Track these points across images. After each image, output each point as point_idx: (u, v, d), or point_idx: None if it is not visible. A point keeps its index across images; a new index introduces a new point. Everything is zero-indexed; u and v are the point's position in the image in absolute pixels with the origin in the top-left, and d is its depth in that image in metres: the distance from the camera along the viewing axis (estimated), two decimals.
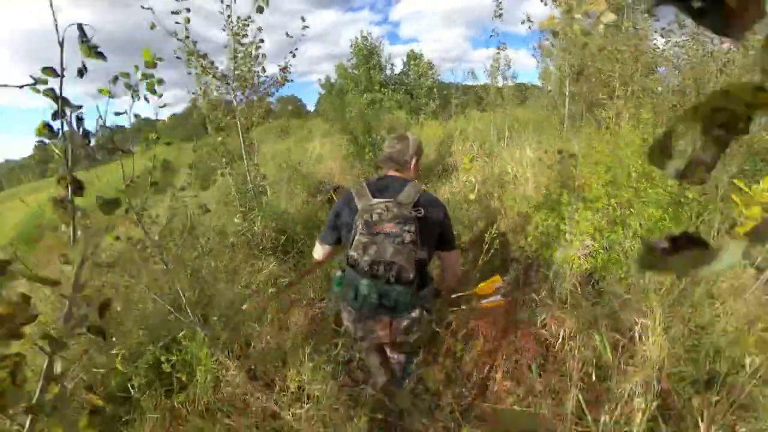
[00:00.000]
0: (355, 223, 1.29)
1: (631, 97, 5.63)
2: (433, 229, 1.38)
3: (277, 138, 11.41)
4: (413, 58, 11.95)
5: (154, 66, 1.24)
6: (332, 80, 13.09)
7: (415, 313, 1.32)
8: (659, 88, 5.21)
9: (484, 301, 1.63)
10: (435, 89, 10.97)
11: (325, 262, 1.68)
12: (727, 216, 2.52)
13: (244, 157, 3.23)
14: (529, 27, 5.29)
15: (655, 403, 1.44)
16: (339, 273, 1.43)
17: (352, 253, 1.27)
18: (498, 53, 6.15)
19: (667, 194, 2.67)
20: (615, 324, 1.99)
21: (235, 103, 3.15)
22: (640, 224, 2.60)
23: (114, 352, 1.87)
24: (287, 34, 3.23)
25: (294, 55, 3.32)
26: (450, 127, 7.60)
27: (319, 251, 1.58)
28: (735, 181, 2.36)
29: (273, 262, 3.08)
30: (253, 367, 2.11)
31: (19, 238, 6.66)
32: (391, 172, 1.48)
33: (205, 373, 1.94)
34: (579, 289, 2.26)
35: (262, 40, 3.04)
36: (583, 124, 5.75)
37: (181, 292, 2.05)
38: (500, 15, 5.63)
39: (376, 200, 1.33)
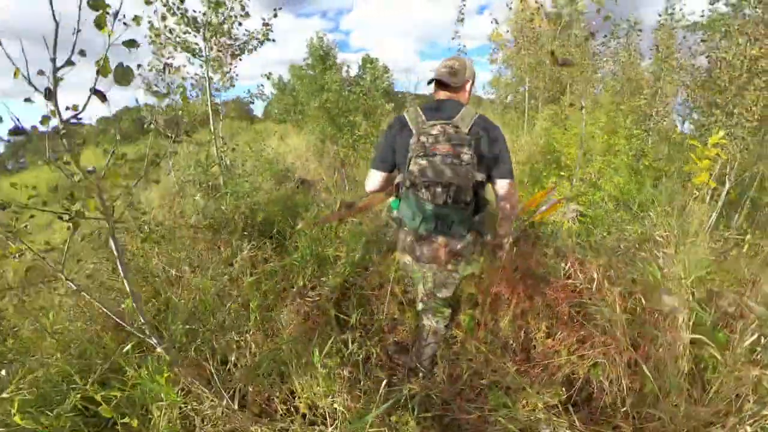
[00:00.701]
0: (411, 146, 1.24)
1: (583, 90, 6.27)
2: (490, 152, 1.31)
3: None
4: (368, 61, 11.83)
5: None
6: (285, 80, 12.32)
7: (469, 237, 1.31)
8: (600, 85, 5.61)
9: (543, 207, 1.62)
10: (390, 92, 10.94)
11: (382, 195, 1.54)
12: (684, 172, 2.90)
13: (211, 120, 2.58)
14: (495, 29, 5.41)
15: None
16: (393, 198, 1.40)
17: (409, 174, 1.24)
18: (459, 53, 6.22)
19: (626, 163, 3.01)
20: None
21: (205, 56, 2.51)
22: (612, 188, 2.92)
23: (6, 395, 1.12)
24: None
25: (276, 15, 2.79)
26: None
27: (373, 179, 1.43)
28: (690, 140, 2.69)
29: (247, 247, 2.46)
30: (238, 389, 1.46)
31: None
32: (444, 95, 1.39)
33: (168, 411, 1.27)
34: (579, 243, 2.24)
35: None
36: (543, 112, 6.04)
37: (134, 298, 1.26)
38: (462, 20, 5.71)
39: (431, 122, 1.27)
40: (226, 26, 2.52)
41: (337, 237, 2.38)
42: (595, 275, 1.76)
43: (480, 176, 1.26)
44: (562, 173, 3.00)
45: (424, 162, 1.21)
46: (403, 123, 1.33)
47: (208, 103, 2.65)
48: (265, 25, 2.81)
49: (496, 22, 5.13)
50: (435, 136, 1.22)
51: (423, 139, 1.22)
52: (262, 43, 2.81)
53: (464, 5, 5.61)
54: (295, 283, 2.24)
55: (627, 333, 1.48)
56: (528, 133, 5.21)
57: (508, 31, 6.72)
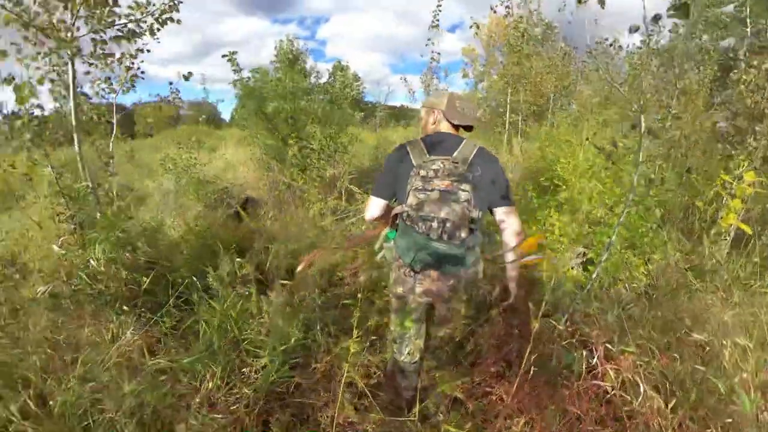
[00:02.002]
0: (410, 179, 1.25)
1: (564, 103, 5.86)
2: (489, 187, 1.30)
3: (180, 146, 9.17)
4: (339, 68, 11.06)
5: None
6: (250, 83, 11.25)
7: (463, 273, 1.30)
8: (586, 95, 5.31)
9: (527, 258, 1.46)
10: (360, 101, 10.28)
11: (381, 224, 1.44)
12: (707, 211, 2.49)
13: (76, 138, 1.65)
14: (476, 33, 4.90)
15: None
16: (388, 229, 1.40)
17: (406, 207, 1.25)
18: (432, 63, 5.65)
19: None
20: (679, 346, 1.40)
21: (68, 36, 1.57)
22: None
23: None
24: None
25: None
26: (383, 134, 6.88)
27: (374, 207, 1.39)
28: (722, 176, 2.13)
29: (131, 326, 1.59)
30: None
31: None
32: (446, 127, 1.41)
33: None
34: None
35: None
36: (526, 127, 5.59)
37: None
38: (437, 25, 5.15)
39: (431, 156, 1.28)
40: None
41: (260, 315, 1.55)
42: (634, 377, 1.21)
43: (476, 213, 1.26)
44: (561, 204, 2.33)
45: (422, 196, 1.22)
46: (405, 154, 1.33)
47: (72, 109, 1.69)
48: None
49: (477, 27, 4.57)
50: (435, 170, 1.23)
51: (423, 172, 1.24)
52: (162, 23, 1.89)
53: (440, 10, 5.14)
54: (201, 385, 1.43)
55: None
56: (509, 152, 4.61)
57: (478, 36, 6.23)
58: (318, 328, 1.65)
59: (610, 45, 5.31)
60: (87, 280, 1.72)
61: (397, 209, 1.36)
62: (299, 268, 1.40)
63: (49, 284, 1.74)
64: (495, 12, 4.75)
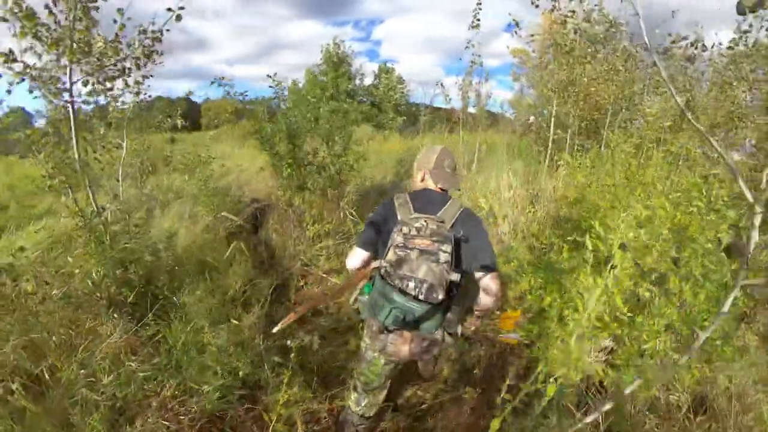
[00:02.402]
0: (393, 234, 1.25)
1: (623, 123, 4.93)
2: (471, 250, 1.31)
3: (235, 144, 9.95)
4: (384, 71, 11.05)
5: None
6: (299, 85, 11.76)
7: (438, 335, 1.29)
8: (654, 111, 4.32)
9: (502, 335, 1.51)
10: (403, 105, 10.11)
11: (364, 272, 1.42)
12: None
13: (75, 148, 1.80)
14: (515, 32, 4.38)
15: None
16: (367, 281, 1.40)
17: (384, 263, 1.22)
18: (472, 66, 5.23)
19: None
20: None
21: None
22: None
23: None
24: None
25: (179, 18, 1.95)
26: (413, 143, 6.58)
27: (356, 258, 1.40)
28: None
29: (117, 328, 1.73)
30: None
31: None
32: (431, 185, 1.41)
33: None
34: None
35: None
36: (575, 148, 4.76)
37: None
38: (477, 26, 4.76)
39: (416, 214, 1.30)
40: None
41: (209, 344, 1.59)
42: None
43: (455, 276, 1.23)
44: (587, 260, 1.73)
45: (401, 253, 1.20)
46: (391, 209, 1.36)
47: (72, 123, 1.77)
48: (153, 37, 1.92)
49: (517, 24, 4.08)
50: (417, 228, 1.22)
51: (405, 229, 1.23)
52: (148, 56, 1.95)
53: (480, 8, 4.70)
54: (161, 392, 1.59)
55: None
56: (550, 176, 3.93)
57: (533, 40, 5.54)
58: (267, 367, 1.64)
59: (691, 44, 4.41)
60: (91, 287, 1.89)
61: (375, 264, 1.36)
62: (281, 324, 1.35)
63: (63, 287, 1.94)
64: (536, 6, 4.18)
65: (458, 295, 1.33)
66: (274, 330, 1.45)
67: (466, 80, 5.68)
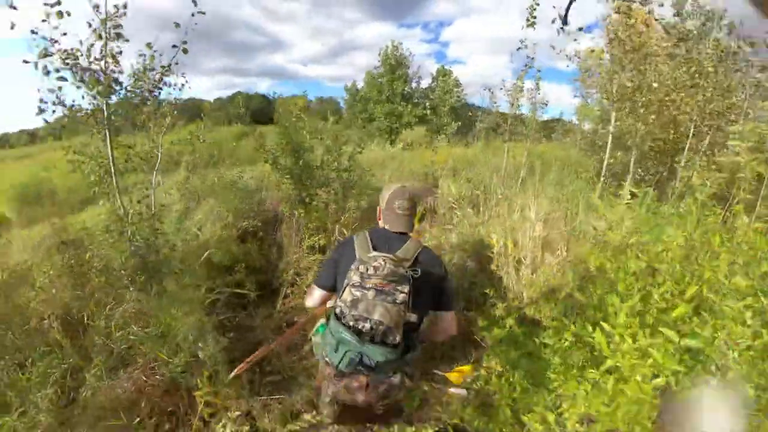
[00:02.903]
0: (350, 273, 1.22)
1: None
2: (430, 290, 1.31)
3: None
4: (442, 74, 10.74)
5: None
6: (357, 87, 12.15)
7: (395, 379, 1.26)
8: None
9: (451, 389, 1.54)
10: (459, 109, 9.69)
11: (319, 313, 1.43)
12: None
13: (109, 146, 2.25)
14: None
15: None
16: (322, 321, 1.36)
17: (340, 303, 1.21)
18: (525, 69, 4.73)
19: None
20: None
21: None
22: None
23: None
24: None
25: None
26: (455, 152, 6.25)
27: (314, 296, 1.43)
28: None
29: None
30: None
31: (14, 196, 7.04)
32: (390, 226, 1.41)
33: None
34: None
35: None
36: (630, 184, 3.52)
37: None
38: (533, 23, 4.19)
39: (374, 253, 1.27)
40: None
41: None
42: None
43: (413, 317, 1.24)
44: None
45: (357, 293, 1.17)
46: (350, 247, 1.36)
47: (108, 142, 2.23)
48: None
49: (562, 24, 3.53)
50: (375, 268, 1.19)
51: (362, 268, 1.20)
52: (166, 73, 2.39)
53: (537, 4, 4.14)
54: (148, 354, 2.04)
55: None
56: (607, 208, 2.36)
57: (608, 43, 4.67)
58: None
59: None
60: (120, 265, 2.40)
61: (330, 303, 1.35)
62: (236, 371, 1.35)
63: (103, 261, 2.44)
64: None
65: (417, 336, 1.31)
66: (230, 376, 1.61)
67: (517, 84, 5.21)
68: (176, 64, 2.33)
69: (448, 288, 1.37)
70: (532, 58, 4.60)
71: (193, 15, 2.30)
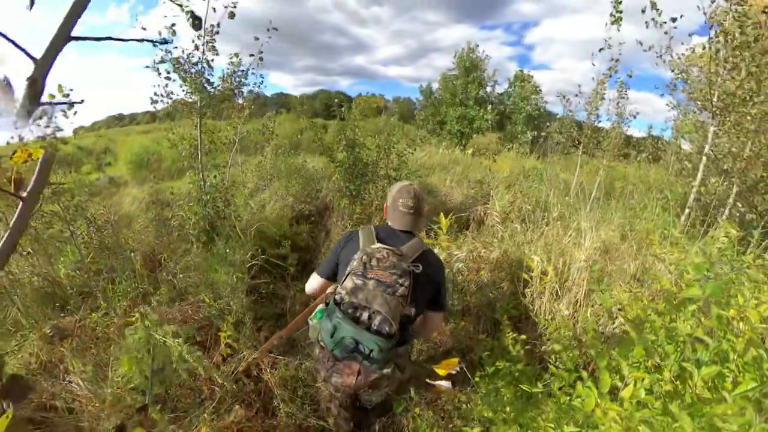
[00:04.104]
0: (352, 263, 1.27)
1: None
2: (428, 289, 1.36)
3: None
4: (520, 79, 10.12)
5: None
6: (432, 89, 12.16)
7: (387, 369, 1.26)
8: None
9: (436, 381, 1.49)
10: (537, 117, 9.06)
11: (321, 300, 1.55)
12: None
13: (199, 132, 2.84)
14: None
15: None
16: (322, 306, 1.44)
17: (340, 290, 1.26)
18: (609, 74, 4.25)
19: None
20: None
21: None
22: None
23: None
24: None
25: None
26: (516, 164, 5.89)
27: (312, 282, 1.53)
28: None
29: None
30: None
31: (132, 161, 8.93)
32: (398, 224, 1.44)
33: None
34: None
35: None
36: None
37: None
38: (618, 20, 3.79)
39: (378, 244, 1.31)
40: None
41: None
42: None
43: (410, 311, 1.29)
44: None
45: (359, 282, 1.21)
46: (355, 237, 1.41)
47: (199, 131, 2.91)
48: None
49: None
50: (378, 259, 1.23)
51: (365, 259, 1.24)
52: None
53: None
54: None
55: None
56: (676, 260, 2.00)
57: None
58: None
59: None
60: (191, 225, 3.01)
61: (330, 290, 1.43)
62: (244, 364, 1.61)
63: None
64: None
65: (411, 330, 1.38)
66: (240, 369, 1.85)
67: (597, 91, 4.66)
68: (253, 70, 3.03)
69: (444, 291, 1.43)
70: (617, 61, 4.14)
71: (268, 30, 2.99)
